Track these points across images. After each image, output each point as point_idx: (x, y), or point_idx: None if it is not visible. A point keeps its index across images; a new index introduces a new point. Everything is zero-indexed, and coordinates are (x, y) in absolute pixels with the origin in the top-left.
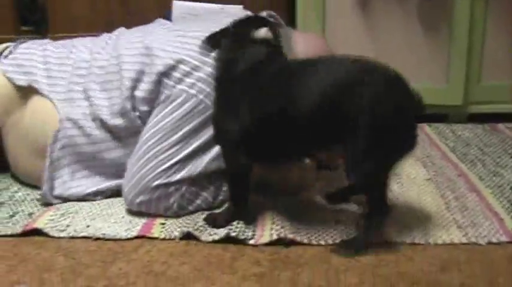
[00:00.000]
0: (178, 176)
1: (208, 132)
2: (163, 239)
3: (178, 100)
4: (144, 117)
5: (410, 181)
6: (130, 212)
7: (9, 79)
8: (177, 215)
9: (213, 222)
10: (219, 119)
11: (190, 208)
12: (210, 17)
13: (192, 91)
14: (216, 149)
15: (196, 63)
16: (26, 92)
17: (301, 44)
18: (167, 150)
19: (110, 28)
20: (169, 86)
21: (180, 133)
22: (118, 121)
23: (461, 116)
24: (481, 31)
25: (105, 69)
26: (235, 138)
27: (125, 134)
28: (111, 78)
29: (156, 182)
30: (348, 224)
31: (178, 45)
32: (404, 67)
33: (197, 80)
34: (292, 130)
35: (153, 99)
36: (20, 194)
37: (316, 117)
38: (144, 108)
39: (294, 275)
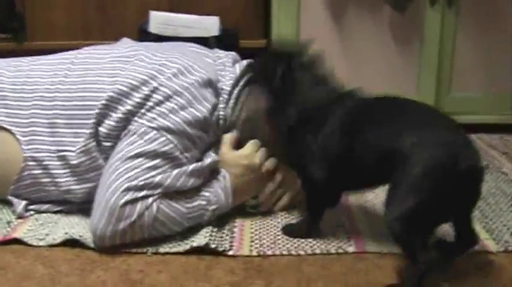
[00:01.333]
0: (144, 192)
1: (171, 164)
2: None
3: (139, 132)
4: (107, 153)
5: (385, 190)
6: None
7: None
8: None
9: (290, 233)
10: (302, 166)
11: (164, 231)
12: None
13: (152, 125)
14: (175, 171)
15: (161, 98)
16: None
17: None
18: (127, 172)
19: (87, 35)
20: (133, 121)
21: (137, 160)
22: (81, 159)
23: None
24: (451, 43)
25: (71, 101)
26: (320, 182)
27: (86, 171)
28: (77, 113)
29: (123, 199)
30: (327, 233)
31: (146, 77)
32: (375, 77)
33: (158, 115)
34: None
35: (116, 136)
36: None
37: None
38: (107, 144)
39: (267, 283)
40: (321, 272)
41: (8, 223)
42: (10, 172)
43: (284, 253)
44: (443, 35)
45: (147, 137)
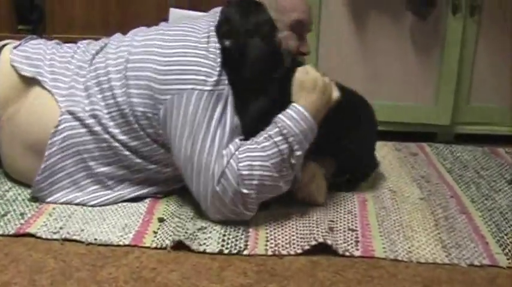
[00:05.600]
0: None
1: (232, 115)
2: (155, 248)
3: (182, 101)
4: (147, 130)
5: (404, 199)
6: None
7: (16, 68)
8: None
9: None
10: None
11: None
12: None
13: (188, 87)
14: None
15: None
16: (28, 85)
17: None
18: (206, 142)
19: (106, 30)
20: (162, 100)
21: (205, 125)
22: (118, 122)
23: (448, 135)
24: (471, 53)
25: (98, 71)
26: None
27: (127, 138)
28: (102, 79)
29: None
30: (342, 232)
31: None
32: (394, 83)
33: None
34: None
35: (149, 118)
36: (11, 193)
37: None
38: (144, 122)
39: None
40: (334, 278)
41: (22, 214)
42: (44, 130)
43: (299, 252)
44: (464, 44)
45: (193, 99)
